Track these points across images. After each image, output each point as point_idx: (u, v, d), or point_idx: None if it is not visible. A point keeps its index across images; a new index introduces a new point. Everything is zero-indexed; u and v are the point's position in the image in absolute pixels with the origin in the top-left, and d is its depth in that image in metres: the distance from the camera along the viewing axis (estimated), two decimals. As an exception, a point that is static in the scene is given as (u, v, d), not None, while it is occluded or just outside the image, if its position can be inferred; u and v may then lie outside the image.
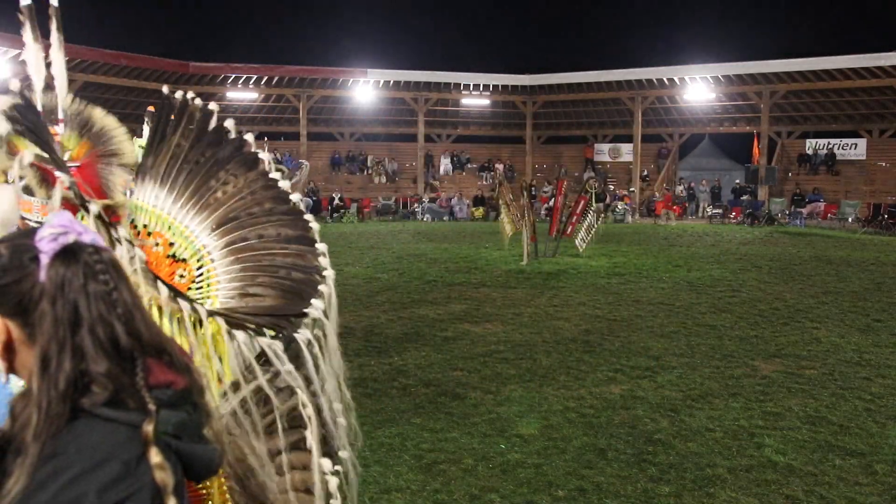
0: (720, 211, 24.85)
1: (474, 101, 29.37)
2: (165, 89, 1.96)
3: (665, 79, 26.37)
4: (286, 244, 1.83)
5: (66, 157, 1.76)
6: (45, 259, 1.02)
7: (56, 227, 1.03)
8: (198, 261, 1.83)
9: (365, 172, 28.83)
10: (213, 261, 1.83)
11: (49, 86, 1.81)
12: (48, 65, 1.81)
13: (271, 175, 1.90)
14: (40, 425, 0.96)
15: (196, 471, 1.12)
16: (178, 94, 1.93)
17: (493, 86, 28.37)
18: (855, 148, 25.85)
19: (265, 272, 1.80)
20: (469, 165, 29.98)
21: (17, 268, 1.02)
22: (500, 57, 46.71)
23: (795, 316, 8.18)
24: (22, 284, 1.02)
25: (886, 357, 6.40)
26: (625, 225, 23.06)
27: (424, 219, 25.09)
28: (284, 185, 1.90)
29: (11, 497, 0.94)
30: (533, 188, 19.80)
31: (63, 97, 1.83)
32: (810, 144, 26.70)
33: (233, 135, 1.92)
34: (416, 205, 26.23)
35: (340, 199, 24.91)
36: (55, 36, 1.81)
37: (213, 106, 1.92)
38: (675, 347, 6.71)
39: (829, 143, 26.35)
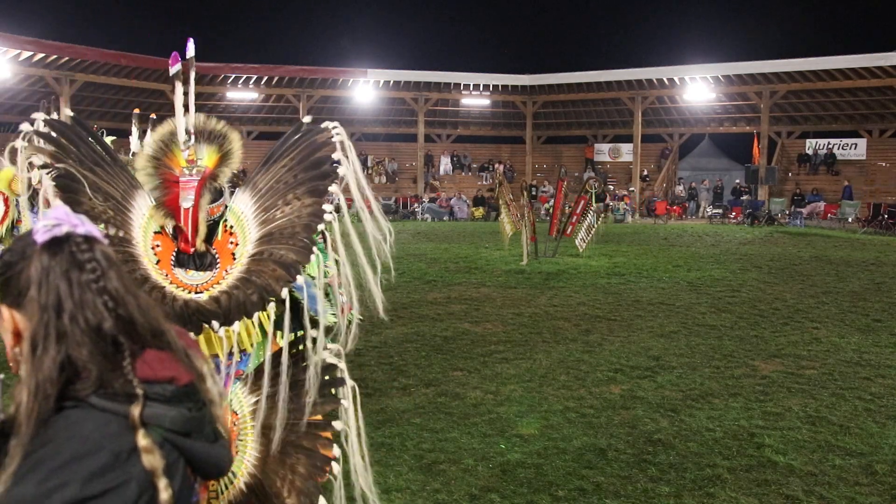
0: (720, 211, 24.86)
1: (474, 101, 29.36)
2: (307, 119, 2.05)
3: (665, 79, 26.37)
4: (277, 267, 1.92)
5: (195, 169, 1.95)
6: (35, 248, 1.07)
7: (51, 219, 1.08)
8: (239, 263, 1.98)
9: (365, 172, 28.76)
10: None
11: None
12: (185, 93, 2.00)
13: (328, 206, 1.97)
14: (30, 407, 1.01)
15: (203, 469, 1.15)
16: (325, 124, 2.00)
17: (493, 86, 28.38)
18: (855, 148, 25.86)
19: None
20: (473, 166, 29.98)
21: (20, 260, 1.08)
22: (500, 57, 46.74)
23: (795, 316, 8.17)
24: (23, 274, 1.07)
25: (886, 357, 6.40)
26: (625, 225, 23.06)
27: (424, 219, 25.09)
28: (329, 217, 1.95)
29: (5, 477, 0.98)
30: (533, 188, 19.78)
31: (192, 117, 1.99)
32: (810, 144, 26.70)
33: (338, 165, 1.98)
34: (416, 205, 26.24)
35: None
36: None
37: (338, 137, 1.98)
38: (675, 347, 6.70)
39: (829, 143, 26.36)
